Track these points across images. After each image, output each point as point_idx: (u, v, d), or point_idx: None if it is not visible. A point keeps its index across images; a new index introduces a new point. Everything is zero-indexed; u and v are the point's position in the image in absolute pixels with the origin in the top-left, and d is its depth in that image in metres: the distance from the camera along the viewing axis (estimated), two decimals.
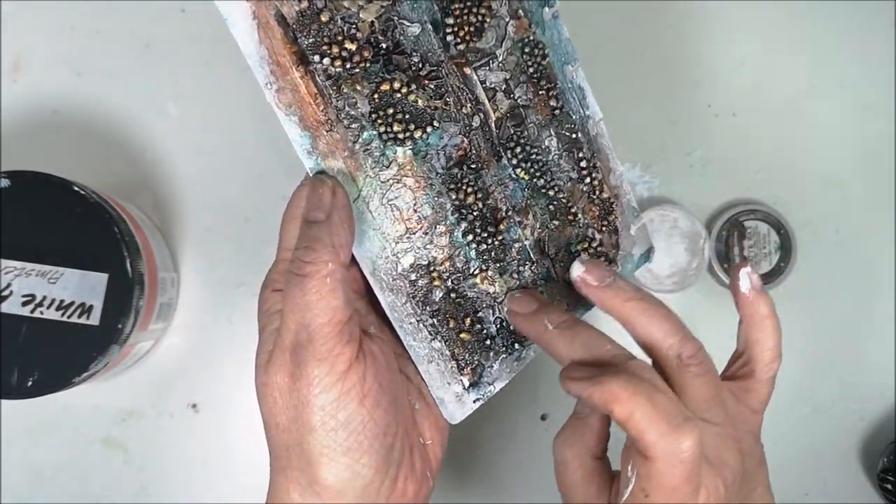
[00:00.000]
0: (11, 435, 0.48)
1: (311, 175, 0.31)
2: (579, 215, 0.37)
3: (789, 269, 0.50)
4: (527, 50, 0.35)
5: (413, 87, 0.32)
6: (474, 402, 0.35)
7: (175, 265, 0.49)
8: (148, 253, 0.44)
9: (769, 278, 0.50)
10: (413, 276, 0.33)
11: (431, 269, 0.34)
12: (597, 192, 0.37)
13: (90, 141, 0.49)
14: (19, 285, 0.40)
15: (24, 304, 0.41)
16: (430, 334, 0.34)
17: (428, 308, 0.34)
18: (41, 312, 0.41)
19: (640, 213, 0.39)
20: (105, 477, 0.48)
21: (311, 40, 0.30)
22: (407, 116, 0.32)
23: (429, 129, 0.33)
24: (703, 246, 0.49)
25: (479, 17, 0.33)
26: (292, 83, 0.30)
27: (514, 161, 0.35)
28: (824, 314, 0.52)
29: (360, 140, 0.31)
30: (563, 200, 0.36)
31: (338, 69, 0.30)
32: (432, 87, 0.33)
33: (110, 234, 0.41)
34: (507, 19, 0.34)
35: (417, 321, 0.34)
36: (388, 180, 0.32)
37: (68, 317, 0.41)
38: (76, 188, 0.41)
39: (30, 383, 0.41)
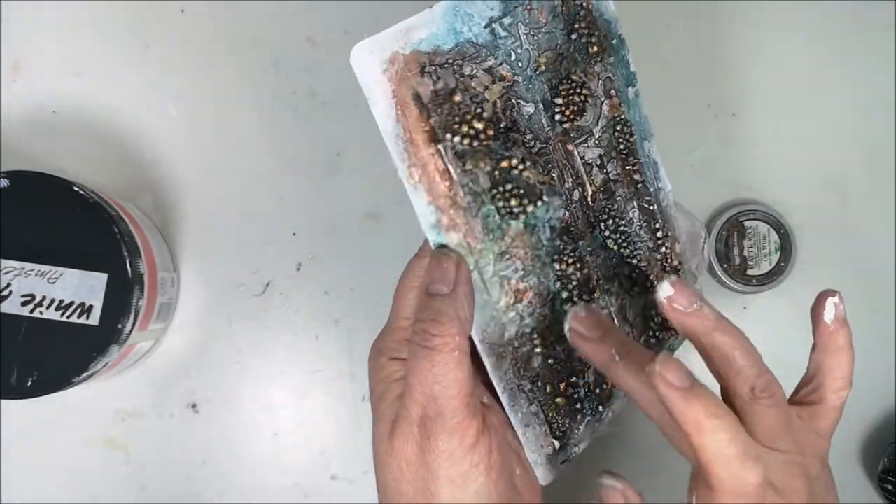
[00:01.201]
0: (11, 435, 0.48)
1: (433, 248, 0.32)
2: (655, 283, 0.38)
3: (789, 269, 0.50)
4: (618, 128, 0.37)
5: (527, 163, 0.34)
6: (562, 463, 0.36)
7: (175, 265, 0.49)
8: (148, 253, 0.44)
9: (769, 278, 0.50)
10: (517, 344, 0.34)
11: (533, 336, 0.34)
12: (668, 261, 0.39)
13: (90, 141, 0.49)
14: (19, 285, 0.40)
15: (24, 304, 0.41)
16: (528, 399, 0.34)
17: (527, 374, 0.34)
18: (41, 312, 0.41)
19: (698, 278, 0.41)
20: (105, 477, 0.48)
21: (444, 119, 0.31)
22: (521, 191, 0.33)
23: (539, 203, 0.34)
24: (703, 246, 0.49)
25: (583, 97, 0.35)
26: (423, 160, 0.31)
27: (606, 232, 0.37)
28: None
29: (480, 214, 0.32)
30: (644, 269, 0.38)
31: (465, 147, 0.32)
32: (542, 162, 0.34)
33: (110, 234, 0.41)
34: (602, 99, 0.36)
35: (517, 386, 0.34)
36: (501, 252, 0.33)
37: (68, 317, 0.41)
38: (76, 188, 0.41)
39: (30, 383, 0.41)
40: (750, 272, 0.50)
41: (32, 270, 0.41)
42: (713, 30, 0.52)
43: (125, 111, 0.49)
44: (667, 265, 0.39)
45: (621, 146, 0.37)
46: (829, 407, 0.34)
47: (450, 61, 0.31)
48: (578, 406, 0.36)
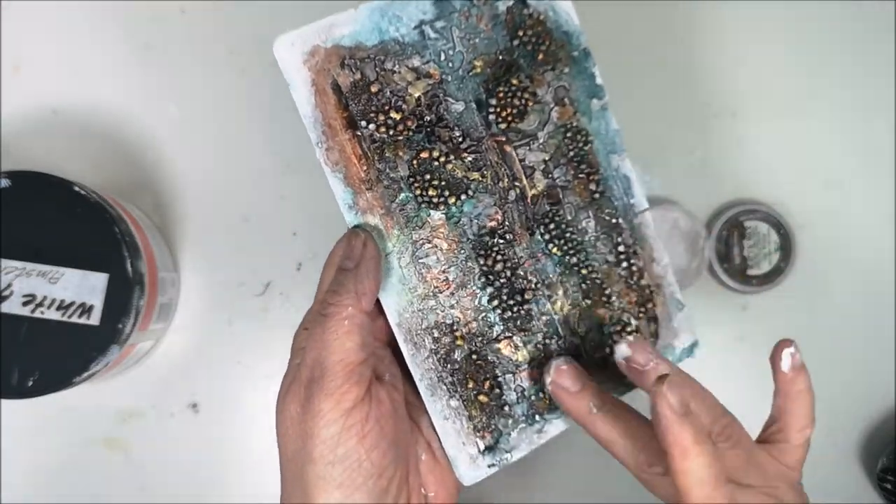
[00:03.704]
0: (11, 435, 0.48)
1: (349, 228, 0.34)
2: (613, 298, 0.38)
3: (789, 269, 0.50)
4: (569, 135, 0.37)
5: (451, 157, 0.35)
6: (489, 466, 0.36)
7: (175, 265, 0.49)
8: (148, 253, 0.44)
9: (769, 278, 0.50)
10: (436, 334, 0.35)
11: (455, 328, 0.35)
12: (635, 279, 0.38)
13: (90, 141, 0.49)
14: (19, 285, 0.40)
15: (25, 304, 0.41)
16: (449, 392, 0.35)
17: (448, 366, 0.35)
18: (41, 312, 0.41)
19: (684, 307, 0.39)
20: (105, 477, 0.48)
21: (361, 108, 0.34)
22: (443, 184, 0.35)
23: (462, 198, 0.35)
24: (703, 246, 0.49)
25: (523, 101, 0.36)
26: (340, 144, 0.34)
27: (548, 237, 0.37)
28: (824, 314, 0.52)
29: (397, 200, 0.34)
30: (597, 281, 0.38)
31: (382, 135, 0.34)
32: (470, 159, 0.35)
33: (110, 234, 0.41)
34: (552, 105, 0.37)
35: (437, 377, 0.35)
36: (419, 240, 0.35)
37: (68, 317, 0.41)
38: (76, 188, 0.41)
39: (30, 383, 0.41)
40: (750, 272, 0.50)
41: (33, 270, 0.41)
42: (713, 30, 0.52)
43: (125, 111, 0.49)
44: (633, 282, 0.38)
45: (571, 153, 0.37)
46: (794, 445, 0.36)
47: (371, 56, 0.34)
48: (507, 409, 0.36)
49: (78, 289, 0.41)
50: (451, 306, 0.35)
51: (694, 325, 0.39)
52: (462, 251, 0.35)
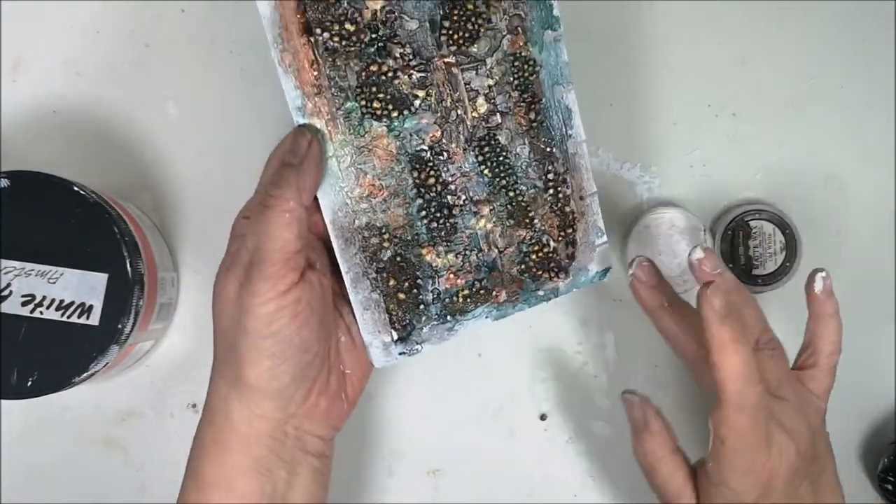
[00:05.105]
0: (11, 435, 0.48)
1: (296, 126, 0.36)
2: (536, 221, 0.40)
3: (794, 268, 0.50)
4: (517, 63, 0.38)
5: (399, 73, 0.37)
6: (399, 354, 0.40)
7: (175, 265, 0.49)
8: (148, 253, 0.44)
9: (774, 278, 0.50)
10: (366, 234, 0.38)
11: (384, 231, 0.38)
12: (559, 205, 0.41)
13: (90, 141, 0.49)
14: (19, 285, 0.40)
15: (24, 304, 0.41)
16: (371, 286, 0.38)
17: (374, 264, 0.38)
18: (41, 312, 0.41)
19: (605, 235, 0.42)
20: (105, 477, 0.48)
21: (318, 15, 0.35)
22: (388, 97, 0.37)
23: (405, 113, 0.37)
24: (704, 239, 0.49)
25: (476, 26, 0.37)
26: (294, 48, 0.35)
27: (482, 158, 0.39)
28: None
29: (343, 108, 0.36)
30: (522, 204, 0.40)
31: (335, 44, 0.35)
32: (417, 77, 0.37)
33: (110, 234, 0.41)
34: (504, 33, 0.38)
35: (363, 272, 0.38)
36: (360, 147, 0.37)
37: (68, 317, 0.41)
38: (76, 188, 0.41)
39: (30, 383, 0.41)
40: (755, 272, 0.50)
41: (33, 270, 0.41)
42: (713, 30, 0.51)
43: (125, 111, 0.49)
44: (556, 208, 0.40)
45: (516, 81, 0.38)
46: (822, 370, 0.40)
47: None
48: (422, 307, 0.39)
49: (77, 289, 0.41)
50: (383, 211, 0.38)
51: (610, 254, 0.42)
52: (398, 163, 0.38)
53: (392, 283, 0.38)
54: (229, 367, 0.35)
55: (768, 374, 0.37)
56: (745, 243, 0.50)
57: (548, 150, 0.40)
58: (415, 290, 0.39)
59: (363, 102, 0.36)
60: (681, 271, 0.49)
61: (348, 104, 0.36)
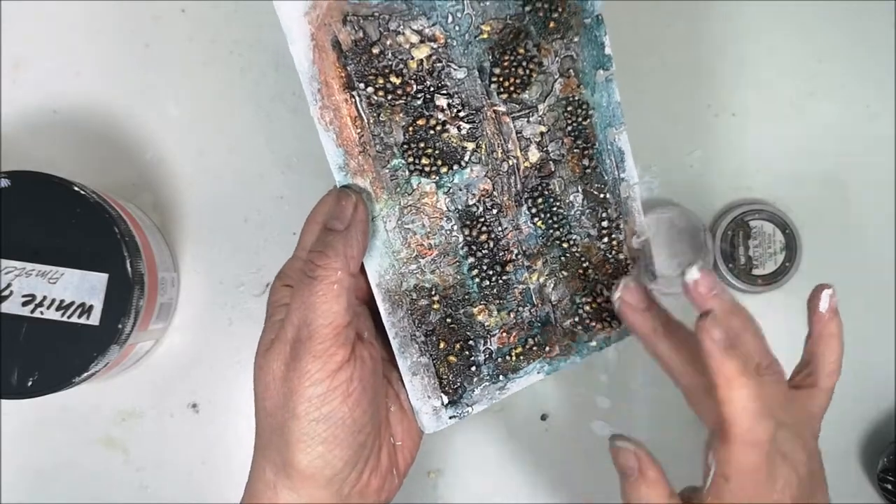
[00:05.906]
0: (11, 435, 0.48)
1: (338, 187, 0.33)
2: (590, 270, 0.38)
3: (794, 268, 0.50)
4: (570, 108, 0.36)
5: (448, 126, 0.34)
6: (450, 418, 0.37)
7: (175, 265, 0.49)
8: (148, 253, 0.44)
9: (774, 278, 0.50)
10: (414, 296, 0.35)
11: (433, 293, 0.36)
12: (613, 252, 0.39)
13: (90, 141, 0.49)
14: (19, 285, 0.40)
15: (24, 304, 0.41)
16: (420, 350, 0.36)
17: (423, 326, 0.36)
18: (41, 312, 0.41)
19: (656, 278, 0.40)
20: (105, 477, 0.48)
21: (360, 68, 0.32)
22: (437, 152, 0.34)
23: (455, 168, 0.35)
24: (705, 239, 0.49)
25: (527, 71, 0.35)
26: (336, 104, 0.32)
27: (535, 210, 0.37)
28: None
29: (389, 166, 0.34)
30: (577, 255, 0.38)
31: (380, 98, 0.33)
32: (467, 129, 0.35)
33: (110, 234, 0.41)
34: (557, 77, 0.36)
35: (410, 336, 0.36)
36: (407, 206, 0.34)
37: (68, 317, 0.41)
38: (76, 188, 0.41)
39: (30, 383, 0.41)
40: (755, 272, 0.50)
41: (33, 270, 0.41)
42: (713, 30, 0.52)
43: (125, 111, 0.49)
44: (611, 256, 0.38)
45: (569, 127, 0.36)
46: (821, 390, 0.37)
47: (375, 14, 0.32)
48: (474, 369, 0.37)
49: (78, 289, 0.41)
50: (432, 271, 0.35)
51: (660, 298, 0.40)
52: (448, 220, 0.35)
53: (442, 346, 0.36)
54: (276, 452, 0.33)
55: (770, 398, 0.34)
56: (744, 243, 0.50)
57: (601, 196, 0.38)
58: (466, 352, 0.37)
59: (411, 159, 0.34)
60: (681, 271, 0.49)
61: (394, 161, 0.34)
